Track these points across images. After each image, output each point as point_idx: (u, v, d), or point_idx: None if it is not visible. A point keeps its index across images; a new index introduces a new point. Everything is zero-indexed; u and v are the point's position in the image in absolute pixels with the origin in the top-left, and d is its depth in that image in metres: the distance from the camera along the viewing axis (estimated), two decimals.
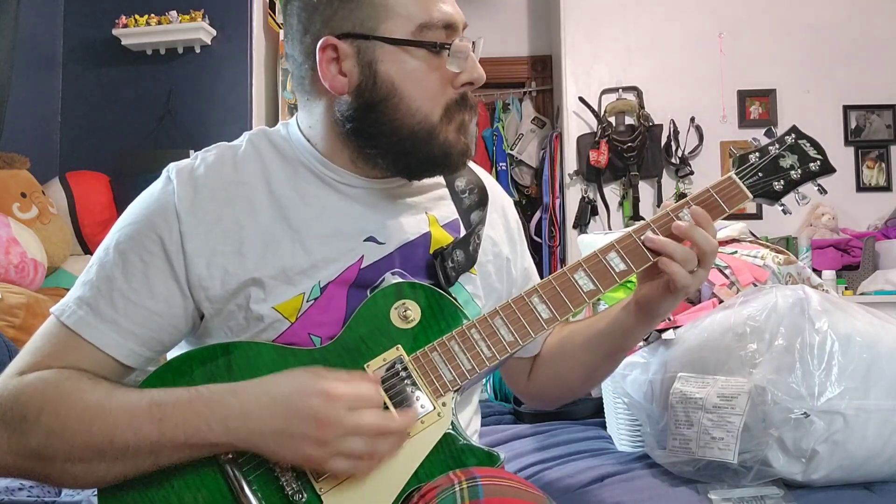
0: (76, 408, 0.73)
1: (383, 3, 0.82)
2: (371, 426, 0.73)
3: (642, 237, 0.87)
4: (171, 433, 0.72)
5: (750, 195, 0.91)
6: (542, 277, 0.93)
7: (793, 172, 0.92)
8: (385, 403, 0.78)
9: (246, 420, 0.73)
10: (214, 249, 0.81)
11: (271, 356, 0.80)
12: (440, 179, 0.96)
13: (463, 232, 0.93)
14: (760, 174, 0.92)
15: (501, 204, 1.04)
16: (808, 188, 0.94)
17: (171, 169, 0.86)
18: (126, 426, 0.72)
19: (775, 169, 0.92)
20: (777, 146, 0.93)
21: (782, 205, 0.94)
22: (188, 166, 0.86)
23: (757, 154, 0.93)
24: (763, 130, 0.97)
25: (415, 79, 0.83)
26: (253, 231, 0.83)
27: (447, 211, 0.94)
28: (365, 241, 0.86)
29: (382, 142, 0.85)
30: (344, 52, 0.83)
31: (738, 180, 0.91)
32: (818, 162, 0.93)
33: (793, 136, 0.94)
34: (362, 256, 0.85)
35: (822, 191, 0.94)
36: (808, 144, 0.94)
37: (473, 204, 0.96)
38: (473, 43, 0.85)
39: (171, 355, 0.83)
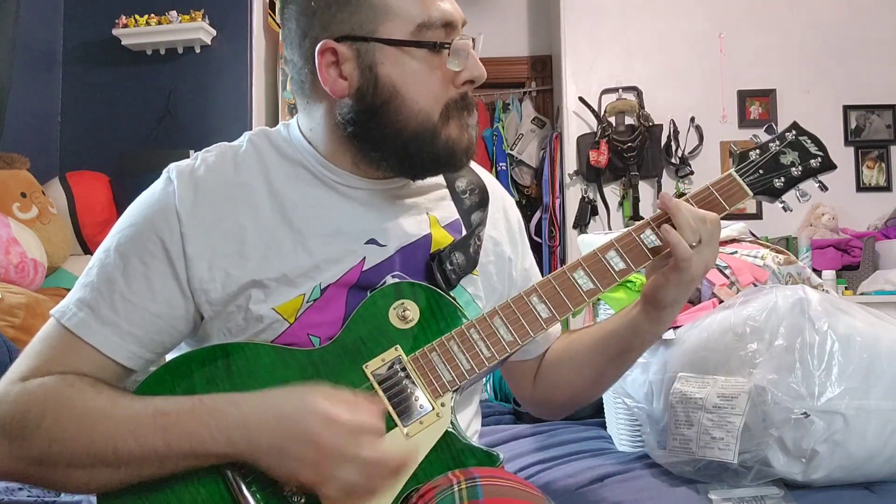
0: (78, 414, 0.73)
1: (382, 4, 0.81)
2: (368, 459, 0.72)
3: (641, 234, 0.87)
4: (176, 443, 0.71)
5: (750, 192, 0.91)
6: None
7: (793, 169, 0.92)
8: (387, 411, 0.77)
9: (246, 431, 0.72)
10: (216, 251, 0.81)
11: (270, 357, 0.79)
12: (440, 180, 0.96)
13: (464, 232, 0.92)
14: (761, 171, 0.92)
15: (503, 204, 1.03)
16: (809, 185, 0.94)
17: (172, 169, 0.85)
18: (130, 435, 0.72)
19: (776, 166, 0.92)
20: (777, 143, 0.93)
21: (783, 202, 0.93)
22: (189, 167, 0.85)
23: (757, 151, 0.93)
24: (763, 129, 0.96)
25: (416, 80, 0.82)
26: (254, 232, 0.82)
27: (448, 211, 0.94)
28: (366, 243, 0.86)
29: (386, 145, 0.84)
30: (343, 55, 0.82)
31: (738, 177, 0.91)
32: (819, 158, 0.93)
33: (793, 132, 0.94)
34: (364, 259, 0.85)
35: (823, 187, 0.94)
36: (808, 141, 0.93)
37: (474, 205, 0.96)
38: (473, 40, 0.84)
39: (169, 357, 0.83)
